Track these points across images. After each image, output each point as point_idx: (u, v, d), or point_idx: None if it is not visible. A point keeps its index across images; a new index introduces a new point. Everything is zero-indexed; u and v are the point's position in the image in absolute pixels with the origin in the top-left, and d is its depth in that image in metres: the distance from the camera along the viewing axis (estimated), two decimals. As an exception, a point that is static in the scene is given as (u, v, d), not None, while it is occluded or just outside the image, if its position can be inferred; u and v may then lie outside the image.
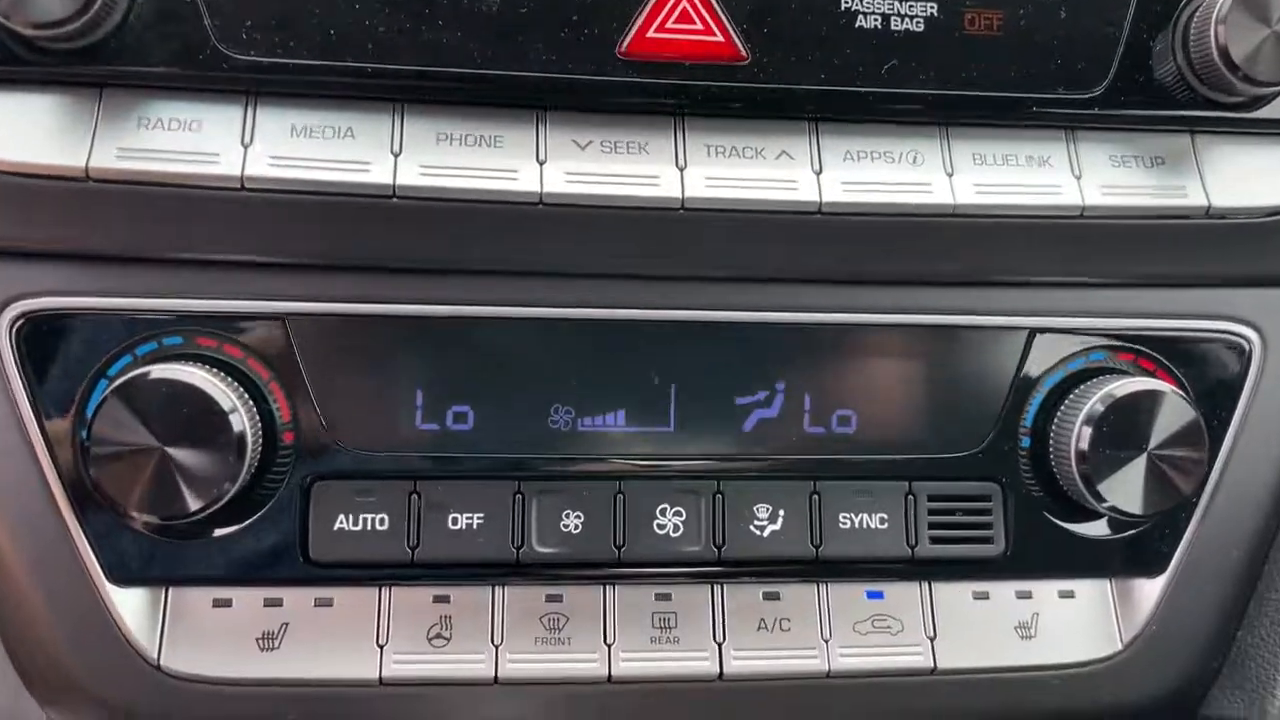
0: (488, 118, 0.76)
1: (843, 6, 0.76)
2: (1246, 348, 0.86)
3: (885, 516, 0.82)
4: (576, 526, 0.79)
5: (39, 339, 0.76)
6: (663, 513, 0.80)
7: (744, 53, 0.75)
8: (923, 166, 0.80)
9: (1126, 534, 0.85)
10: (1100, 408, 0.79)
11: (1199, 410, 0.80)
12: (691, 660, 0.82)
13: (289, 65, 0.72)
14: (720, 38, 0.75)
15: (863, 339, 0.83)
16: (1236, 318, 0.86)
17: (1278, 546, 0.89)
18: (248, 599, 0.79)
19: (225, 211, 0.74)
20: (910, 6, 0.76)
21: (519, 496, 0.79)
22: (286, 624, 0.79)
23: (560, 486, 0.80)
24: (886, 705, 0.84)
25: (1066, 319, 0.85)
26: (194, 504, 0.72)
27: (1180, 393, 0.81)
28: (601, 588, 0.82)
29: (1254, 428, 0.86)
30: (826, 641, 0.83)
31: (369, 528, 0.78)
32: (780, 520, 0.82)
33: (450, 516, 0.78)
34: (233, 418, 0.72)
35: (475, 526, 0.79)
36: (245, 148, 0.73)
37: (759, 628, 0.83)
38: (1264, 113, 0.81)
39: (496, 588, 0.81)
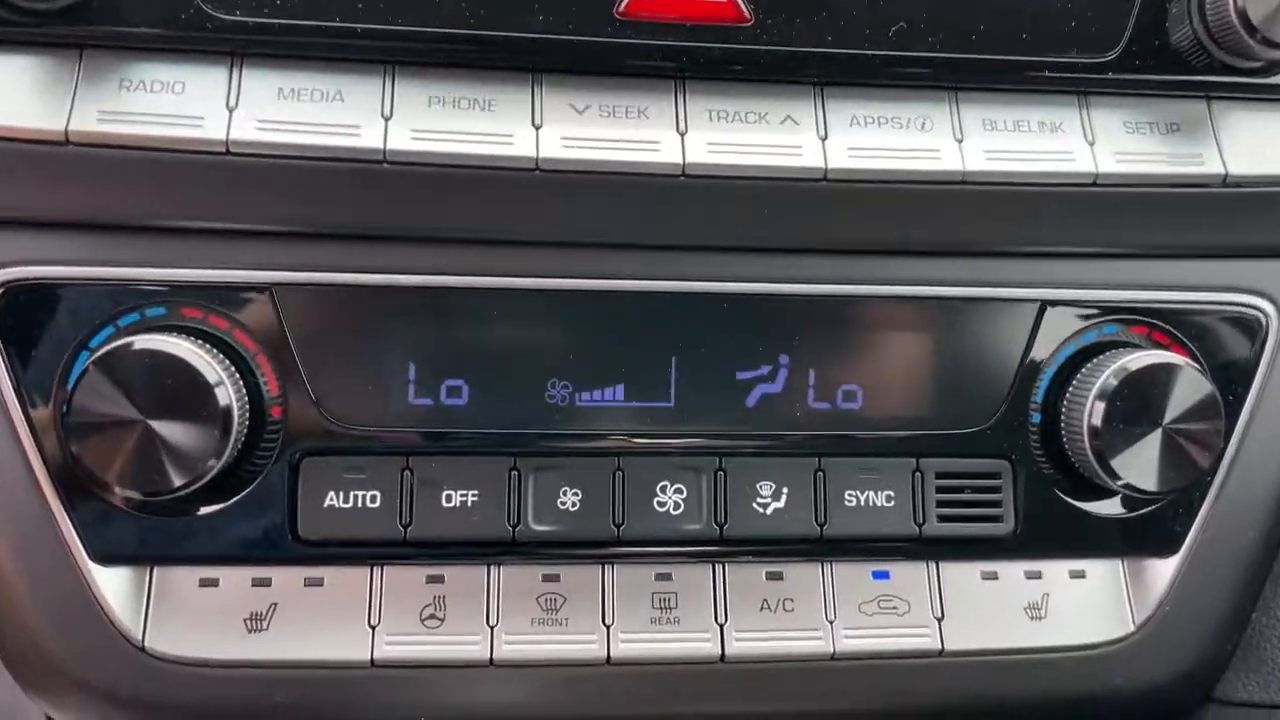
0: (482, 80, 0.75)
1: (849, -34, 0.74)
2: (1263, 320, 0.85)
3: (892, 494, 0.81)
4: (574, 504, 0.78)
5: (17, 310, 0.74)
6: (663, 490, 0.79)
7: (747, 13, 0.74)
8: (931, 132, 0.78)
9: (1139, 512, 0.84)
10: (1114, 382, 0.78)
11: (1215, 383, 0.79)
12: (692, 641, 0.80)
13: (275, 25, 0.71)
14: (723, -3, 0.73)
15: (869, 311, 0.81)
16: (1253, 290, 0.85)
17: (1294, 526, 0.88)
18: (235, 579, 0.78)
19: (209, 177, 0.73)
20: (919, -34, 0.75)
21: (515, 473, 0.78)
22: (275, 604, 0.78)
23: (558, 463, 0.79)
24: (893, 688, 0.83)
25: (1078, 291, 0.83)
26: (178, 480, 0.70)
27: (1196, 366, 0.80)
28: (600, 567, 0.81)
29: (1270, 402, 0.85)
30: (831, 622, 0.82)
31: (360, 505, 0.77)
32: (784, 498, 0.80)
33: (444, 494, 0.77)
34: (218, 391, 0.71)
35: (470, 504, 0.77)
36: (230, 111, 0.72)
37: (762, 608, 0.81)
38: (1283, 78, 0.80)
39: (492, 567, 0.80)
